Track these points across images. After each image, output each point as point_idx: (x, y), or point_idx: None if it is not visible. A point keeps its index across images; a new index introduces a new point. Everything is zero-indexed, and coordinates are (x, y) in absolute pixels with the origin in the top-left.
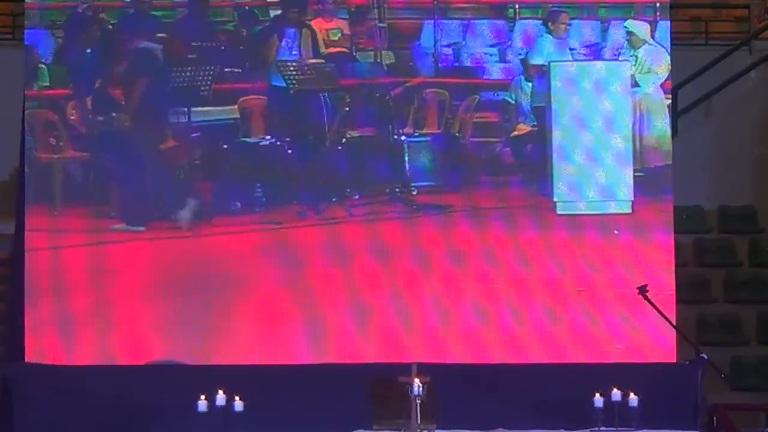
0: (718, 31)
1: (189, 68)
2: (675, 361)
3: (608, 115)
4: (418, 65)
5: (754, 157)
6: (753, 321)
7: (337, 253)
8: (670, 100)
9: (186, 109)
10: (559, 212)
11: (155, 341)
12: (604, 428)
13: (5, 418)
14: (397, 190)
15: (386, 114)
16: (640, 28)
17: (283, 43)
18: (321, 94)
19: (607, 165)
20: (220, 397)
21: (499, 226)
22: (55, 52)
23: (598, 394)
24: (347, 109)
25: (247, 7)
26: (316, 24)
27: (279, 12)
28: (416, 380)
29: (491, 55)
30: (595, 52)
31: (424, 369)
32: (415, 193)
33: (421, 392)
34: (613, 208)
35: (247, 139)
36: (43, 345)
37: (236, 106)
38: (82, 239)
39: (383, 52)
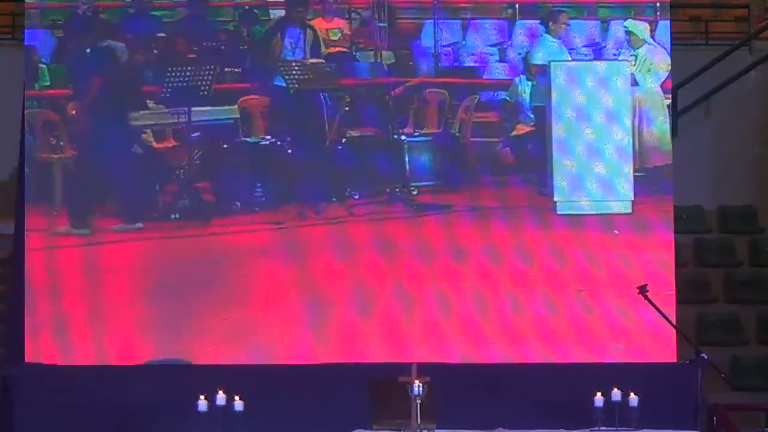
0: (718, 31)
1: (189, 68)
2: (675, 361)
3: (608, 114)
4: (418, 65)
5: (754, 157)
6: (753, 321)
7: (338, 252)
8: (670, 100)
9: (186, 108)
10: (559, 212)
11: (155, 341)
12: (604, 428)
13: (5, 418)
14: (397, 189)
15: (386, 114)
16: (640, 27)
17: (287, 43)
18: (321, 94)
19: (607, 164)
20: (220, 397)
21: (500, 225)
22: (55, 52)
23: (598, 394)
24: (347, 108)
25: (247, 7)
26: (317, 24)
27: (280, 12)
28: (416, 380)
29: (491, 55)
30: (595, 51)
31: (424, 369)
32: (415, 192)
33: (421, 392)
34: (613, 207)
35: (247, 139)
36: (43, 345)
37: (236, 106)
38: (81, 239)
39: (383, 52)
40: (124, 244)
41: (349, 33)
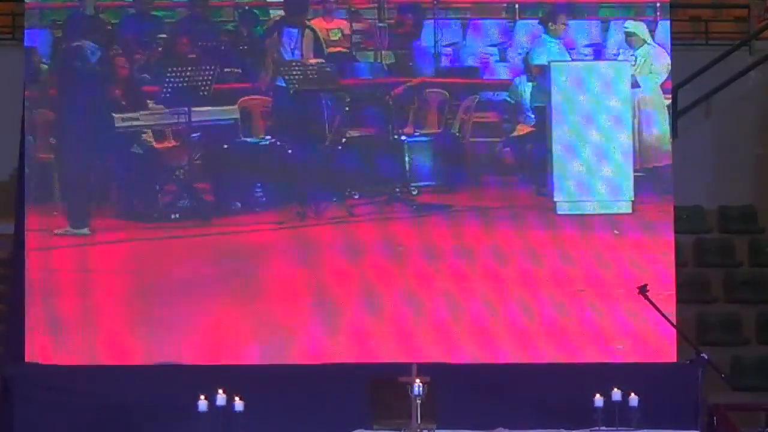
0: (718, 31)
1: (189, 68)
2: (675, 361)
3: (608, 115)
4: (418, 65)
5: (754, 157)
6: (753, 321)
7: (338, 252)
8: (670, 100)
9: (186, 109)
10: (559, 212)
11: (155, 342)
12: (604, 428)
13: (5, 418)
14: (397, 190)
15: (386, 114)
16: (640, 28)
17: (285, 44)
18: (321, 94)
19: (607, 165)
20: (220, 397)
21: (500, 225)
22: (55, 52)
23: (598, 394)
24: (347, 109)
25: (247, 7)
26: (317, 24)
27: (280, 12)
28: (416, 380)
29: (491, 55)
30: (595, 52)
31: (424, 369)
32: (415, 192)
33: (421, 392)
34: (613, 207)
35: (247, 139)
36: (42, 345)
37: (236, 106)
38: (81, 239)
39: (383, 52)
40: (124, 245)
41: (349, 33)
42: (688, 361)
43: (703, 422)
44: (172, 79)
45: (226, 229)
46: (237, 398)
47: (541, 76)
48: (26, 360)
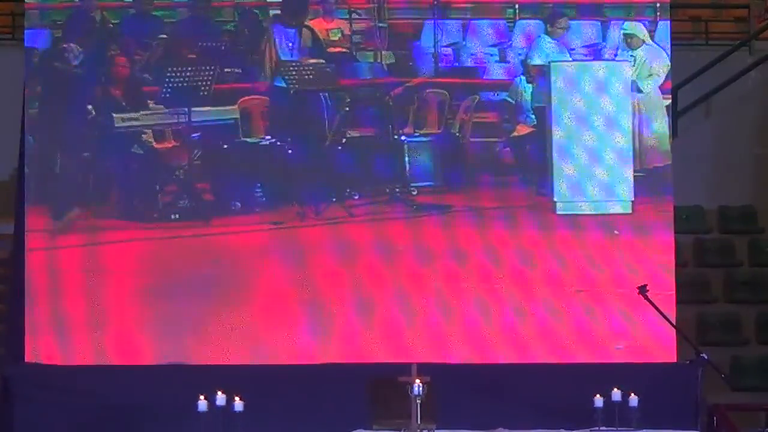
0: (718, 31)
1: (189, 68)
2: (675, 361)
3: (608, 115)
4: (418, 65)
5: (754, 157)
6: (753, 321)
7: (338, 252)
8: (669, 100)
9: (186, 109)
10: (559, 212)
11: (155, 341)
12: (604, 428)
13: (5, 418)
14: (397, 190)
15: (386, 114)
16: (639, 28)
17: (284, 44)
18: (321, 94)
19: (607, 165)
20: (220, 397)
21: (500, 226)
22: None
23: (598, 394)
24: (347, 109)
25: (247, 7)
26: (317, 24)
27: (279, 12)
28: (416, 380)
29: (491, 55)
30: (595, 52)
31: (424, 369)
32: (415, 193)
33: (421, 392)
34: (613, 208)
35: (247, 139)
36: (42, 345)
37: (236, 106)
38: (81, 239)
39: (383, 52)
40: (124, 245)
41: (349, 33)
42: (688, 362)
43: (703, 422)
44: (172, 79)
45: (226, 229)
46: (237, 398)
47: (540, 76)
48: (26, 360)
